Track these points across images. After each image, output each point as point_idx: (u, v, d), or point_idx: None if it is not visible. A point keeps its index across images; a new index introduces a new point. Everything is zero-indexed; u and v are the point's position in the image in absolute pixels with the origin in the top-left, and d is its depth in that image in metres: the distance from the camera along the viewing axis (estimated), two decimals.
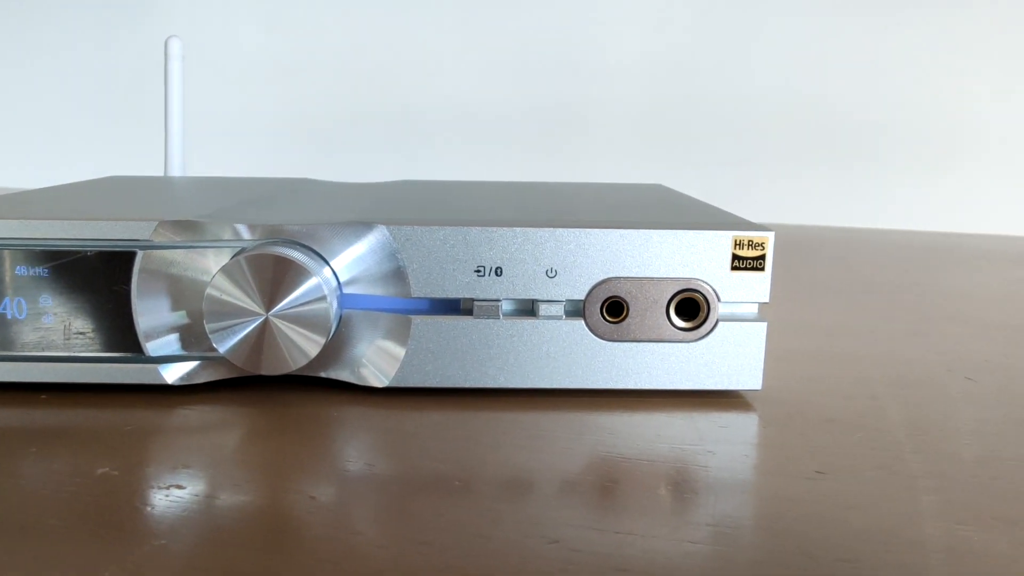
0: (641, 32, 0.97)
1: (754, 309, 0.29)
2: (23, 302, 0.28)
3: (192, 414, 0.27)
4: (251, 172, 1.09)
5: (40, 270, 0.28)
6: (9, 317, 0.28)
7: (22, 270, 0.28)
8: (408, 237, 0.27)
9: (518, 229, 0.27)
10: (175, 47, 0.46)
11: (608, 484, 0.23)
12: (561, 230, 0.27)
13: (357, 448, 0.25)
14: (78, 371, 0.28)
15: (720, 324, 0.28)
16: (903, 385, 0.31)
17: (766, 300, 0.28)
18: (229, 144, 1.08)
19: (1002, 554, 0.19)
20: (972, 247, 0.66)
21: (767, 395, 0.29)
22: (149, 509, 0.21)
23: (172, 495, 0.22)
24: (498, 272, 0.28)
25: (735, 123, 0.95)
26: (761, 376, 0.29)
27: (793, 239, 0.67)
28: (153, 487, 0.22)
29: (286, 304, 0.26)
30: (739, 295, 0.28)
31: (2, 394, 0.28)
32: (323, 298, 0.26)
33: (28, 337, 0.28)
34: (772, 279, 0.28)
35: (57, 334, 0.28)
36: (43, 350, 0.28)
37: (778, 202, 0.93)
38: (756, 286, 0.28)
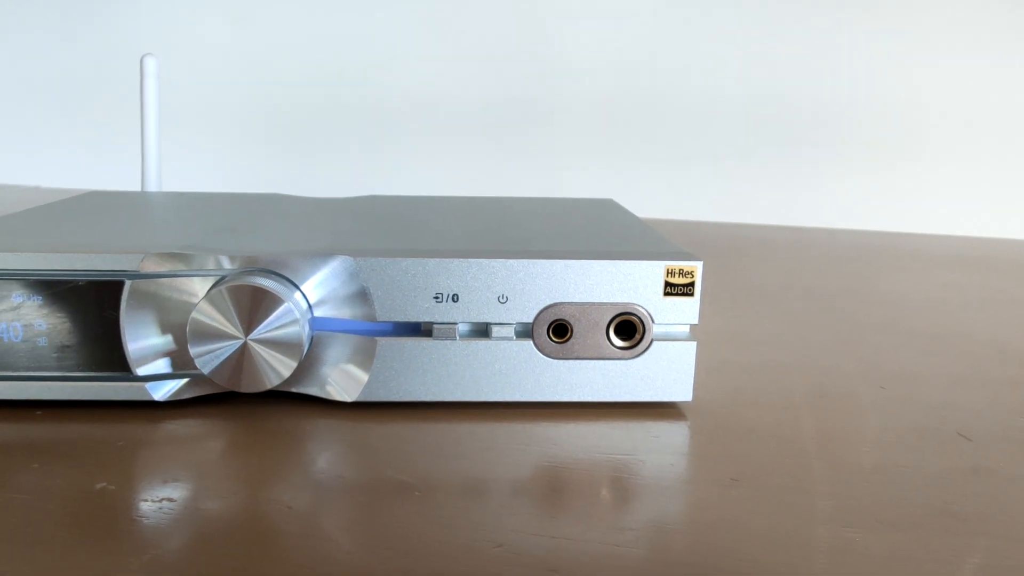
0: (602, 27, 0.99)
1: (686, 329, 0.32)
2: (19, 326, 0.30)
3: (177, 428, 0.30)
4: (219, 170, 1.11)
5: (35, 297, 0.30)
6: (6, 340, 0.30)
7: (18, 297, 0.30)
8: (373, 267, 0.30)
9: (472, 260, 0.30)
10: (151, 65, 0.49)
11: (549, 492, 0.26)
12: (512, 260, 0.30)
13: (328, 459, 0.28)
14: (71, 389, 0.31)
15: (655, 343, 0.31)
16: (821, 395, 0.34)
17: (695, 322, 0.32)
18: (197, 139, 1.09)
19: (877, 554, 0.23)
20: (909, 247, 0.70)
21: (697, 406, 0.33)
22: (145, 521, 0.24)
23: (164, 507, 0.24)
24: (455, 298, 0.31)
25: (689, 119, 0.98)
26: (691, 389, 0.32)
27: (743, 239, 0.71)
28: (147, 500, 0.25)
29: (262, 328, 0.29)
30: (671, 318, 0.31)
31: (2, 411, 0.31)
32: (295, 322, 0.29)
33: (24, 359, 0.30)
34: (701, 303, 0.31)
35: (51, 356, 0.31)
36: (38, 370, 0.31)
37: (727, 199, 0.97)
38: (686, 309, 0.31)
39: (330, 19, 1.06)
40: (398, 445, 0.29)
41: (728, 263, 0.60)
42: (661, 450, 0.29)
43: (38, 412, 0.31)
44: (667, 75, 0.98)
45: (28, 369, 0.31)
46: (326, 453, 0.29)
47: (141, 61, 0.49)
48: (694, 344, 0.32)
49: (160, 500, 0.25)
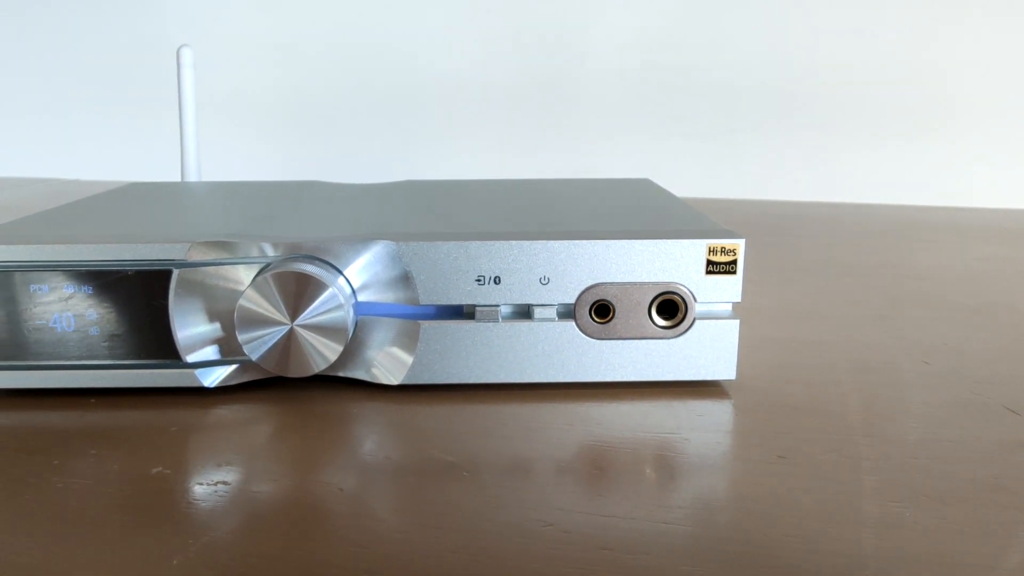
0: (629, 4, 0.98)
1: (728, 308, 0.32)
2: (71, 317, 0.31)
3: (227, 413, 0.31)
4: (255, 154, 1.12)
5: (86, 288, 0.31)
6: (59, 330, 0.31)
7: (70, 288, 0.31)
8: (414, 251, 0.31)
9: (514, 242, 0.30)
10: (187, 56, 0.49)
11: (595, 471, 0.26)
12: (553, 242, 0.31)
13: (375, 441, 0.29)
14: (123, 377, 0.31)
15: (697, 322, 0.31)
16: (864, 370, 0.34)
17: (738, 300, 0.31)
18: (229, 128, 1.10)
19: (927, 528, 0.23)
20: (947, 220, 0.69)
21: (741, 384, 0.33)
22: (201, 504, 0.24)
23: (219, 490, 0.25)
24: (496, 281, 0.31)
25: (720, 95, 0.97)
26: (735, 367, 0.32)
27: (779, 216, 0.70)
28: (202, 483, 0.25)
29: (308, 314, 0.30)
30: (714, 296, 0.31)
31: (58, 399, 0.32)
32: (340, 307, 0.30)
33: (77, 348, 0.31)
34: (744, 280, 0.31)
35: (102, 344, 0.31)
36: (90, 359, 0.31)
37: (761, 175, 0.96)
38: (729, 287, 0.31)
39: (358, 4, 1.06)
40: (444, 426, 0.29)
41: (764, 240, 0.59)
42: (706, 428, 0.29)
43: (92, 400, 0.32)
44: (697, 50, 0.97)
45: (81, 358, 0.31)
46: (373, 435, 0.29)
47: (177, 52, 0.49)
48: (737, 322, 0.32)
49: (215, 483, 0.25)
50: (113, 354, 0.31)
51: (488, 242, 0.30)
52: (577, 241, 0.31)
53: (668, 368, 0.32)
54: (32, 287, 0.31)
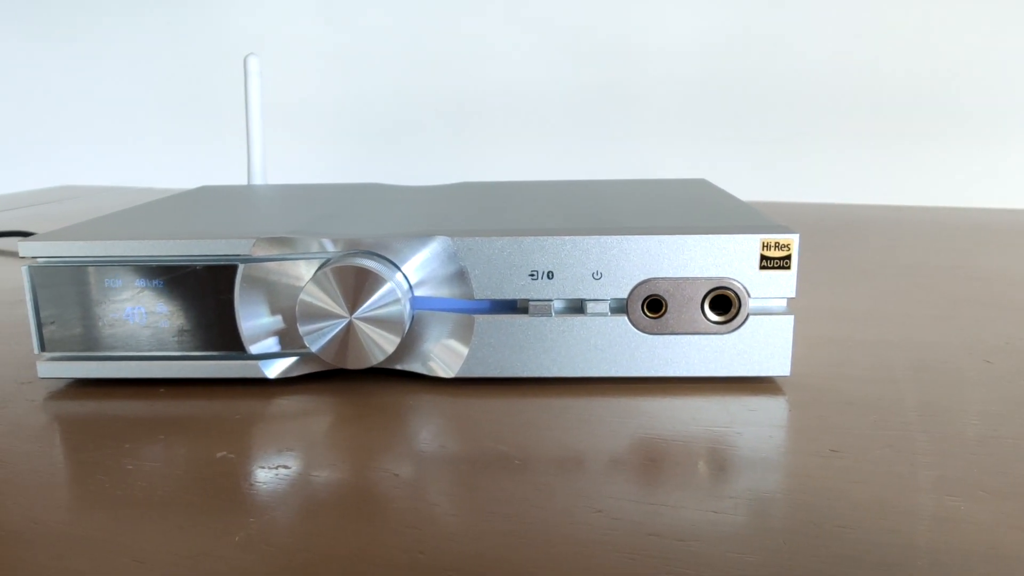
0: (689, 9, 0.98)
1: (783, 303, 0.32)
2: (143, 310, 0.33)
3: (289, 403, 0.32)
4: (319, 160, 1.14)
5: (157, 282, 0.32)
6: (132, 322, 0.33)
7: (142, 282, 0.32)
8: (469, 247, 0.31)
9: (567, 237, 0.31)
10: (253, 64, 0.51)
11: (646, 462, 0.26)
12: (605, 237, 0.31)
13: (430, 431, 0.29)
14: (190, 368, 0.33)
15: (751, 318, 0.31)
16: (923, 369, 0.34)
17: (792, 295, 0.31)
18: (294, 136, 1.13)
19: (983, 523, 0.22)
20: (1010, 223, 0.68)
21: (795, 380, 0.32)
22: (263, 486, 0.25)
23: (280, 474, 0.26)
24: (550, 276, 0.31)
25: (780, 98, 0.96)
26: (789, 363, 0.32)
27: (840, 219, 0.69)
28: (264, 467, 0.26)
29: (366, 308, 0.30)
30: (768, 291, 0.31)
31: (129, 388, 0.33)
32: (397, 301, 0.30)
33: (148, 339, 0.33)
34: (798, 276, 0.31)
35: (172, 336, 0.33)
36: (160, 350, 0.33)
37: (822, 179, 0.94)
38: (783, 283, 0.31)
39: (420, 15, 1.08)
40: (497, 418, 0.30)
41: (824, 242, 0.59)
42: (758, 423, 0.29)
43: (161, 390, 0.33)
44: (756, 55, 0.96)
45: (151, 350, 0.33)
46: (428, 425, 0.30)
47: (245, 61, 0.51)
48: (791, 318, 0.32)
49: (276, 467, 0.26)
50: (182, 346, 0.33)
51: (541, 237, 0.31)
52: (629, 236, 0.31)
53: (721, 364, 0.32)
54: (107, 281, 0.32)
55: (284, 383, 0.33)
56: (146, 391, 0.33)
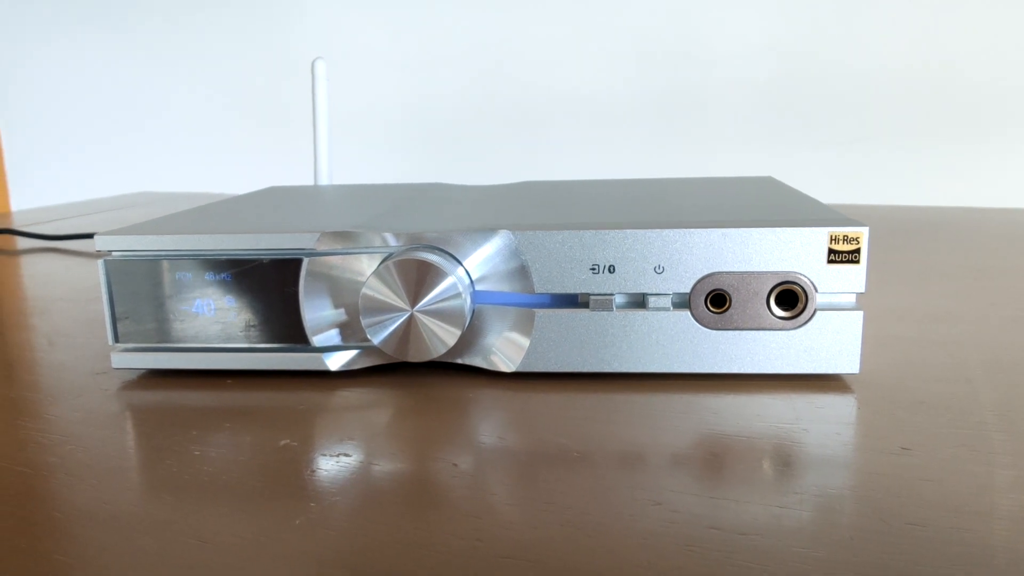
0: (756, 13, 0.97)
1: (852, 299, 0.31)
2: (212, 303, 0.33)
3: (351, 395, 0.32)
4: (385, 164, 1.16)
5: (225, 275, 0.33)
6: (201, 315, 0.33)
7: (211, 276, 0.33)
8: (530, 240, 0.31)
9: (628, 231, 0.31)
10: (321, 68, 0.52)
11: (708, 457, 0.26)
12: (667, 231, 0.31)
13: (490, 424, 0.29)
14: (256, 360, 0.33)
15: (818, 313, 0.31)
16: (1000, 369, 0.32)
17: (862, 290, 0.30)
18: (361, 140, 1.15)
19: None
20: None
21: (865, 379, 0.31)
22: (324, 472, 0.25)
23: (341, 462, 0.26)
24: (611, 269, 0.31)
25: (854, 102, 0.94)
26: (858, 361, 0.31)
27: (917, 220, 0.67)
28: (325, 455, 0.27)
29: (428, 301, 0.31)
30: (836, 286, 0.30)
31: (198, 379, 0.34)
32: (459, 295, 0.31)
33: (216, 332, 0.33)
34: (868, 270, 0.30)
35: (239, 329, 0.33)
36: (228, 342, 0.34)
37: (896, 180, 0.92)
38: (852, 278, 0.30)
39: (487, 22, 1.09)
40: (557, 412, 0.30)
41: (898, 243, 0.57)
42: (826, 420, 0.28)
43: (229, 380, 0.34)
44: (825, 59, 0.94)
45: (220, 341, 0.33)
46: (488, 419, 0.30)
47: (312, 64, 0.52)
48: (861, 313, 0.31)
49: (337, 455, 0.27)
50: (248, 338, 0.33)
51: (602, 231, 0.31)
52: (692, 229, 0.30)
53: (787, 360, 0.31)
54: (177, 275, 0.33)
55: (347, 376, 0.34)
56: (215, 382, 0.34)
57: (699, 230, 0.30)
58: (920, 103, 0.90)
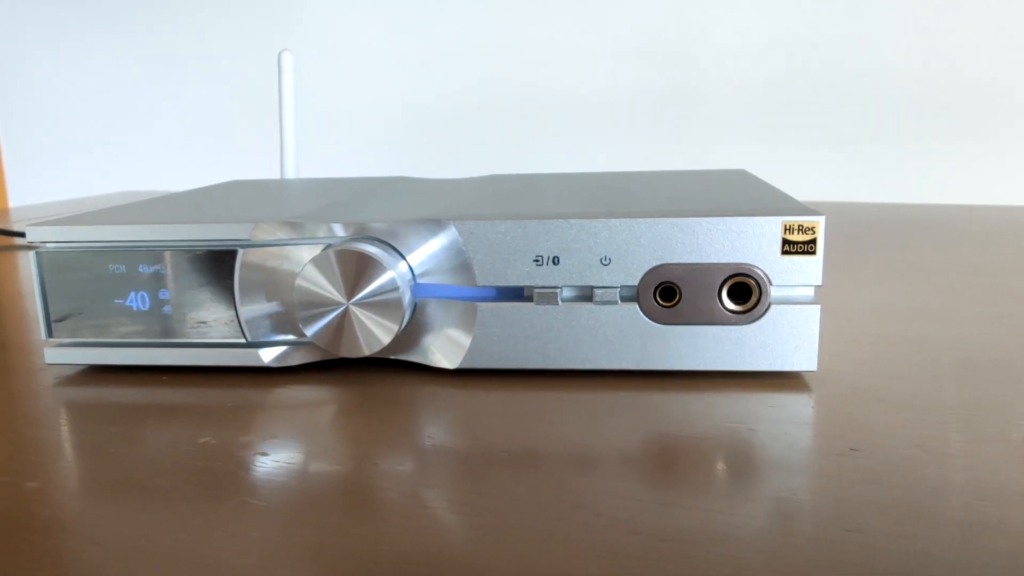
0: (754, 12, 0.95)
1: (809, 292, 0.29)
2: (146, 296, 0.32)
3: (287, 393, 0.31)
4: (375, 165, 1.15)
5: (159, 268, 0.32)
6: (135, 309, 0.32)
7: (145, 268, 0.32)
8: (471, 231, 0.30)
9: (573, 220, 0.29)
10: (287, 60, 0.51)
11: (645, 458, 0.24)
12: (614, 220, 0.29)
13: (423, 423, 0.28)
14: (191, 355, 0.32)
15: (773, 307, 0.29)
16: (971, 367, 0.31)
17: (819, 283, 0.29)
18: (352, 139, 1.14)
19: (1015, 529, 0.20)
20: None
21: (824, 376, 0.30)
22: (236, 472, 0.24)
23: (257, 461, 0.25)
24: (555, 261, 0.29)
25: (854, 100, 0.92)
26: (816, 357, 0.29)
27: (904, 218, 0.66)
28: (242, 454, 0.25)
29: (365, 295, 0.29)
30: (791, 279, 0.29)
31: (133, 375, 0.33)
32: (396, 289, 0.29)
33: (152, 326, 0.32)
34: (825, 262, 0.29)
35: (175, 323, 0.32)
36: (164, 337, 0.32)
37: (890, 179, 0.90)
38: (808, 269, 0.29)
39: (484, 20, 1.08)
40: (501, 412, 0.28)
41: (888, 240, 0.55)
42: (775, 420, 0.27)
43: (164, 377, 0.32)
44: (822, 59, 0.92)
45: (156, 336, 0.32)
46: (422, 417, 0.28)
47: (279, 56, 0.51)
48: (818, 308, 0.29)
49: (255, 454, 0.25)
50: (184, 333, 0.32)
51: (546, 221, 0.29)
52: (639, 219, 0.29)
53: (741, 357, 0.29)
54: (111, 267, 0.32)
55: (286, 372, 0.32)
56: (150, 378, 0.32)
57: (647, 219, 0.29)
58: (920, 101, 0.89)
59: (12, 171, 1.49)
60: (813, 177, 0.94)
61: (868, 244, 0.54)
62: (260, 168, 1.20)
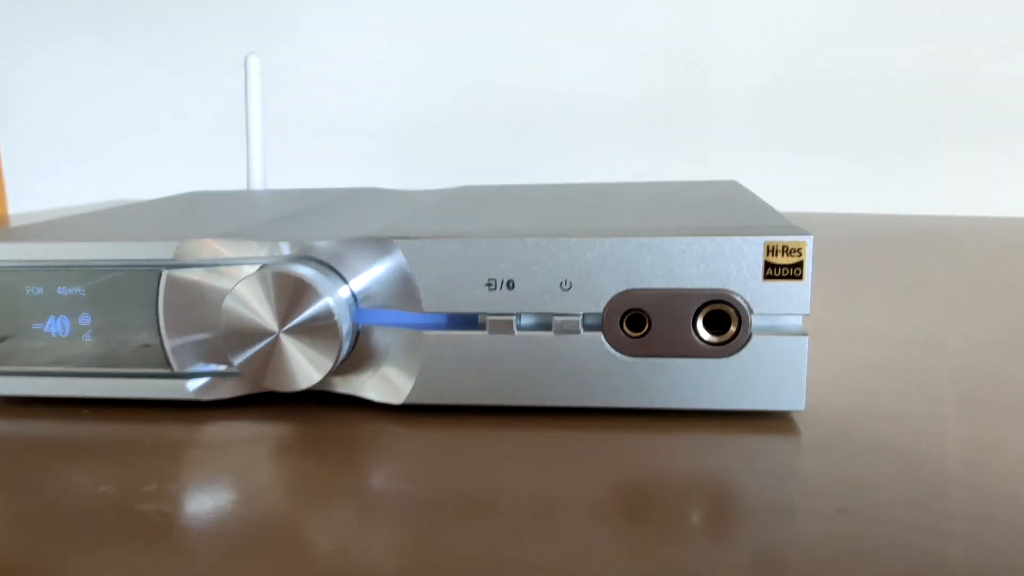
0: (758, 16, 0.92)
1: (795, 321, 0.26)
2: (66, 321, 0.29)
3: (214, 430, 0.28)
4: (369, 176, 1.12)
5: (79, 290, 0.29)
6: (55, 334, 0.29)
7: (64, 290, 0.29)
8: (417, 251, 0.27)
9: (529, 240, 0.26)
10: (254, 65, 0.48)
11: (588, 509, 0.21)
12: (575, 240, 0.26)
13: (367, 468, 0.25)
14: (113, 386, 0.29)
15: (754, 338, 0.26)
16: (978, 404, 0.27)
17: (806, 311, 0.26)
18: (348, 148, 1.11)
19: None
20: None
21: (813, 416, 0.27)
22: (127, 525, 0.21)
23: (150, 512, 0.22)
24: (510, 285, 0.26)
25: (861, 108, 0.89)
26: (804, 395, 0.26)
27: (912, 230, 0.62)
28: (141, 505, 0.22)
29: (297, 323, 0.26)
30: (775, 307, 0.26)
31: (54, 408, 0.30)
32: (332, 318, 0.26)
33: (73, 353, 0.29)
34: (814, 288, 0.25)
35: (97, 351, 0.29)
36: (87, 365, 0.29)
37: (899, 189, 0.86)
38: (794, 296, 0.25)
39: (479, 25, 1.05)
40: (450, 454, 0.25)
41: (893, 255, 0.52)
42: (752, 471, 0.23)
43: (85, 410, 0.29)
44: (827, 65, 0.89)
45: (78, 364, 0.29)
46: (368, 462, 0.25)
47: (245, 60, 0.48)
48: (805, 339, 0.26)
49: (155, 502, 0.22)
50: (107, 361, 0.29)
51: (499, 240, 0.26)
52: (603, 239, 0.26)
53: (719, 394, 0.26)
54: (28, 289, 0.29)
55: (219, 406, 0.29)
56: (71, 411, 0.29)
57: (611, 240, 0.26)
58: (925, 109, 0.85)
59: (12, 178, 1.47)
60: (819, 187, 0.91)
61: (872, 259, 0.51)
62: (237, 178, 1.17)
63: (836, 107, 0.89)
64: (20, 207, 1.45)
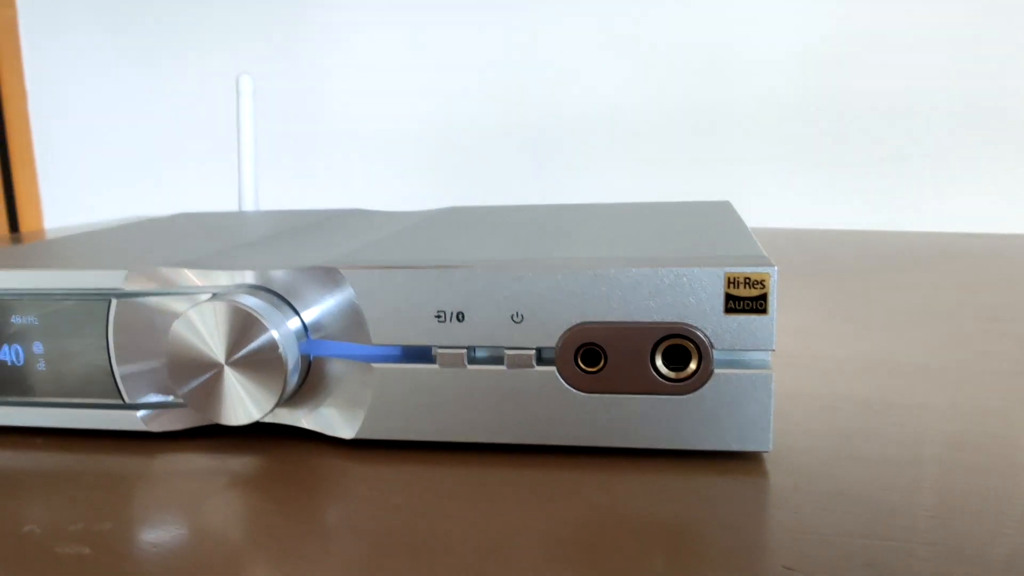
0: (783, 30, 0.90)
1: (763, 356, 0.25)
2: (20, 349, 0.29)
3: (160, 463, 0.27)
4: (387, 191, 1.12)
5: (31, 319, 0.28)
6: (10, 363, 0.29)
7: (17, 319, 0.28)
8: (363, 281, 0.26)
9: (479, 271, 0.25)
10: (246, 84, 0.47)
11: (514, 557, 0.20)
12: (524, 272, 0.25)
13: (315, 506, 0.24)
14: (63, 416, 0.29)
15: (716, 374, 0.24)
16: (962, 447, 0.25)
17: (771, 347, 0.24)
18: (368, 160, 1.11)
19: None
20: None
21: (780, 458, 0.25)
22: (44, 568, 0.20)
23: (74, 553, 0.21)
24: (459, 317, 0.25)
25: (874, 121, 0.86)
26: (770, 435, 0.24)
27: (924, 248, 0.60)
28: (64, 546, 0.21)
29: (242, 355, 0.25)
30: (738, 341, 0.24)
31: (7, 437, 0.29)
32: (277, 351, 0.25)
33: (27, 383, 0.29)
34: (777, 322, 0.24)
35: (49, 380, 0.29)
36: (38, 395, 0.29)
37: (919, 205, 0.84)
38: (758, 331, 0.24)
39: (504, 35, 1.04)
40: (400, 492, 0.24)
41: (904, 276, 0.49)
42: (704, 520, 0.22)
43: (38, 440, 0.29)
44: (854, 72, 0.87)
45: (33, 394, 0.29)
46: (316, 499, 0.24)
47: (237, 80, 0.48)
48: (770, 375, 0.24)
49: (80, 544, 0.21)
50: (60, 391, 0.29)
51: (448, 270, 0.25)
52: (554, 272, 0.24)
53: (678, 433, 0.25)
54: None
55: (171, 438, 0.28)
56: (24, 441, 0.29)
57: (563, 272, 0.24)
58: (953, 121, 0.82)
59: (48, 193, 1.50)
60: (840, 201, 0.88)
61: (883, 280, 0.49)
62: (288, 194, 1.18)
63: (854, 121, 0.87)
64: (54, 222, 1.48)
